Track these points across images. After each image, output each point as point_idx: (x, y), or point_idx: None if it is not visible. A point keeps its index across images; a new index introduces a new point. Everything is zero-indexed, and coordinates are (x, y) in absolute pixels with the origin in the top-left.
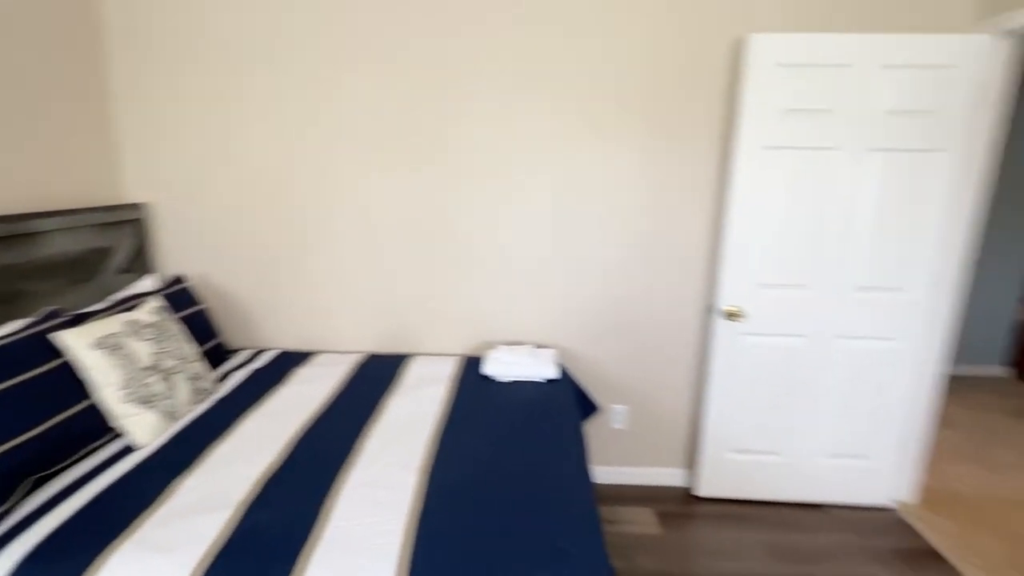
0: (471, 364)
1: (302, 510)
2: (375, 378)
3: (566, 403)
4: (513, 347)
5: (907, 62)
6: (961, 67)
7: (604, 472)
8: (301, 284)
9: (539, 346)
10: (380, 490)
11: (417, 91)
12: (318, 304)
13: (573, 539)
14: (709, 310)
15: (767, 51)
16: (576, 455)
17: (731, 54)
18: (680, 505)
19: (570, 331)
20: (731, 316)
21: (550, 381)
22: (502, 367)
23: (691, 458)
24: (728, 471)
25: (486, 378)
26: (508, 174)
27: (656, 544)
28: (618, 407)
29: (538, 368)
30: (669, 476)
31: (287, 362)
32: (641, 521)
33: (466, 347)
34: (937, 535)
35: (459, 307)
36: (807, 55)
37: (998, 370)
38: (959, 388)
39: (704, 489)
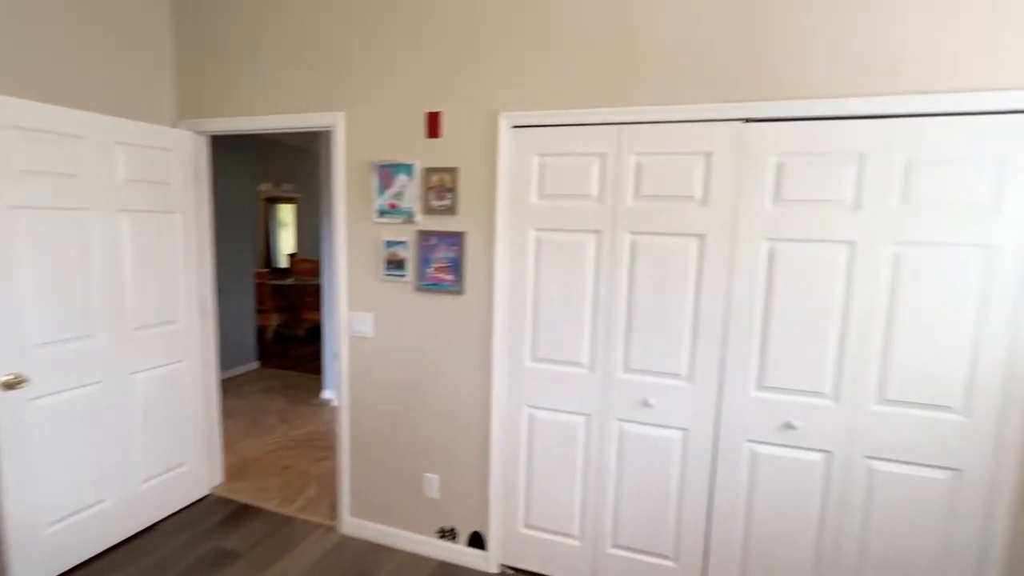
0: None
1: None
2: None
3: None
4: None
5: (138, 142)
6: (176, 150)
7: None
8: None
9: None
10: None
11: None
12: None
13: None
14: None
15: None
16: None
17: None
18: None
19: None
20: (9, 385)
21: None
22: None
23: None
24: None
25: None
26: None
27: None
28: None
29: None
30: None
31: None
32: None
33: None
34: (241, 494)
35: None
36: (45, 123)
37: (254, 364)
38: (232, 386)
39: None
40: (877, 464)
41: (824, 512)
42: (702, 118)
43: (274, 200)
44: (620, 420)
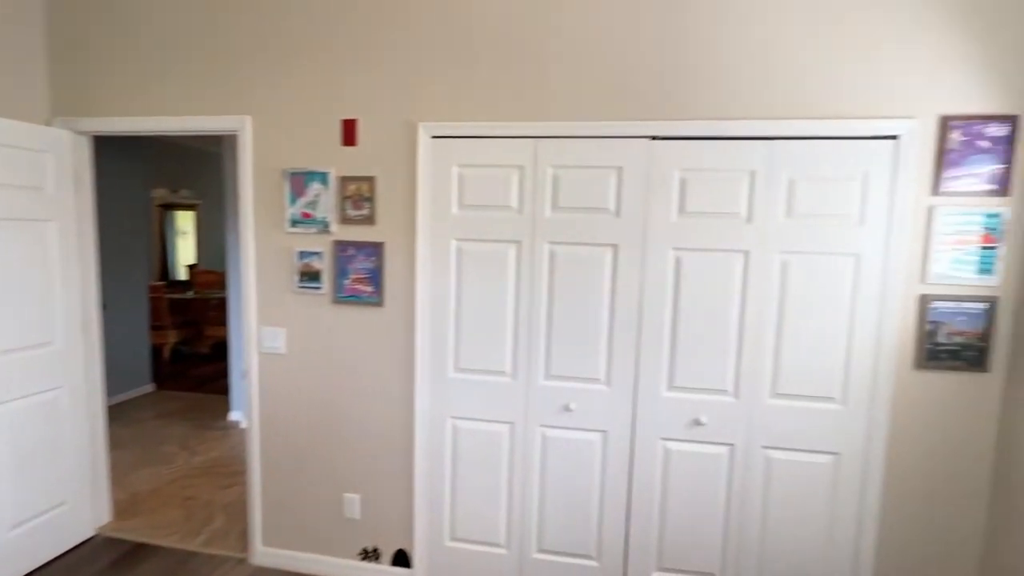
0: None
1: None
2: None
3: None
4: None
5: (1, 141)
6: (51, 152)
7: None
8: None
9: None
10: None
11: None
12: None
13: None
14: None
15: None
16: None
17: None
18: None
19: None
20: None
21: None
22: None
23: None
24: None
25: None
26: None
27: None
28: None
29: None
30: None
31: None
32: None
33: None
34: (135, 532)
35: None
36: None
37: (149, 387)
38: (123, 412)
39: None
40: (773, 453)
41: (729, 500)
42: (613, 134)
43: (170, 207)
44: (543, 426)
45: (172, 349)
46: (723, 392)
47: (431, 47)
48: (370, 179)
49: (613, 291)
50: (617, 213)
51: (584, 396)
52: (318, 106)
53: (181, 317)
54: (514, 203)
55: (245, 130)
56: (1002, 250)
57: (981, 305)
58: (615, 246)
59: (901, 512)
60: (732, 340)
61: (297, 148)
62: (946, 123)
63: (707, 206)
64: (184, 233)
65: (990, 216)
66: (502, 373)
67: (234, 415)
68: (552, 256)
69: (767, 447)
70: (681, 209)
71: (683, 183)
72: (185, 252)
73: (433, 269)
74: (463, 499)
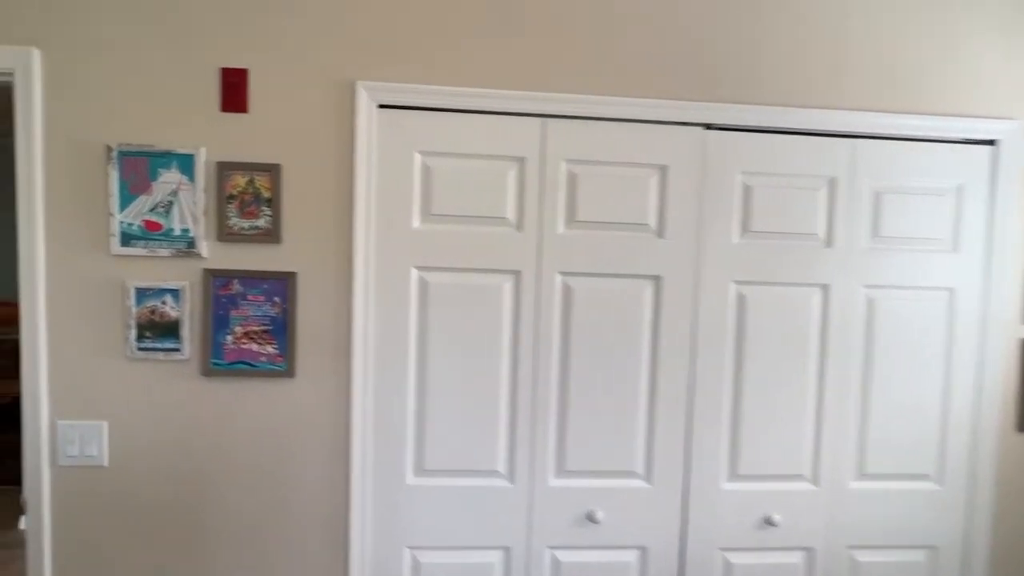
0: None
1: None
2: None
3: None
4: None
5: None
6: None
7: None
8: None
9: None
10: None
11: None
12: None
13: None
14: None
15: None
16: None
17: None
18: None
19: None
20: None
21: None
22: None
23: None
24: None
25: None
26: None
27: None
28: None
29: None
30: None
31: None
32: None
33: None
34: None
35: None
36: None
37: None
38: None
39: None
40: (860, 555)
41: None
42: (656, 119)
43: None
44: (553, 548)
45: None
46: (798, 478)
47: None
48: (271, 168)
49: (654, 344)
50: (660, 232)
51: (615, 498)
52: (174, 40)
53: None
54: (510, 214)
55: (29, 72)
56: None
57: None
58: (656, 279)
59: None
60: (809, 406)
61: (135, 109)
62: None
63: (778, 223)
64: None
65: None
66: (492, 473)
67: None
68: (567, 293)
69: (853, 547)
70: (745, 227)
71: (747, 191)
72: None
73: (380, 315)
74: None
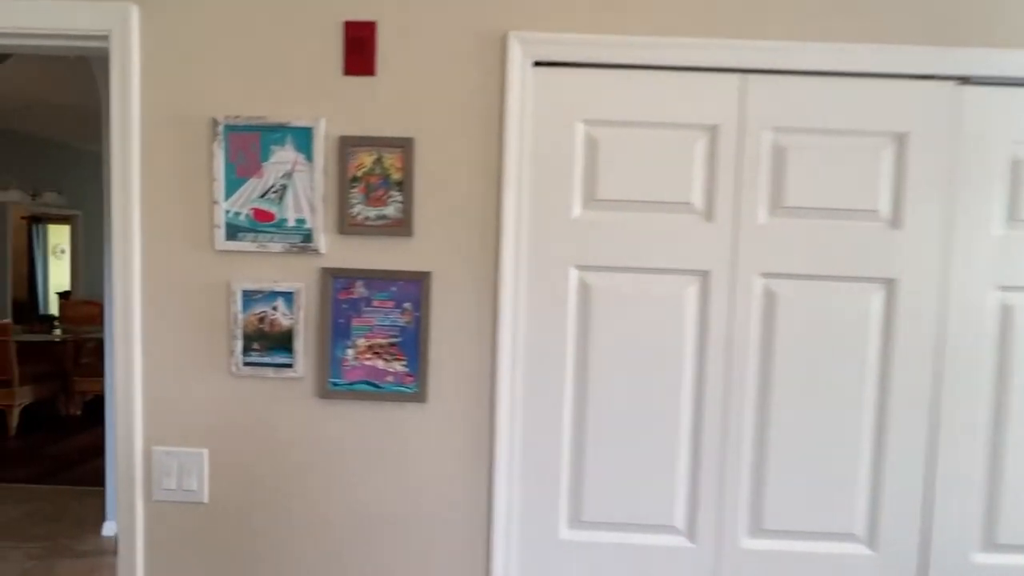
0: None
1: None
2: None
3: None
4: None
5: None
6: None
7: None
8: None
9: None
10: None
11: None
12: None
13: None
14: None
15: None
16: None
17: None
18: None
19: None
20: None
21: None
22: None
23: None
24: None
25: None
26: None
27: None
28: None
29: None
30: None
31: None
32: None
33: None
34: None
35: None
36: None
37: None
38: None
39: None
40: None
41: None
42: (889, 71)
43: (40, 219)
44: None
45: (21, 416)
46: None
47: None
48: (402, 144)
49: (884, 370)
50: (894, 222)
51: (826, 567)
52: None
53: (41, 367)
54: (697, 198)
55: (127, 34)
56: None
57: None
58: (889, 282)
59: None
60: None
61: (243, 76)
62: None
63: None
64: (61, 253)
65: None
66: (668, 529)
67: (111, 527)
68: (769, 301)
69: None
70: (1012, 215)
71: (1017, 168)
72: (59, 277)
73: (531, 327)
74: None
